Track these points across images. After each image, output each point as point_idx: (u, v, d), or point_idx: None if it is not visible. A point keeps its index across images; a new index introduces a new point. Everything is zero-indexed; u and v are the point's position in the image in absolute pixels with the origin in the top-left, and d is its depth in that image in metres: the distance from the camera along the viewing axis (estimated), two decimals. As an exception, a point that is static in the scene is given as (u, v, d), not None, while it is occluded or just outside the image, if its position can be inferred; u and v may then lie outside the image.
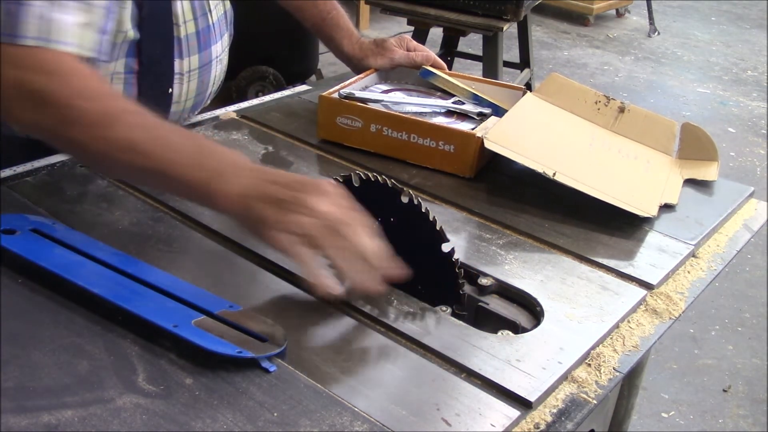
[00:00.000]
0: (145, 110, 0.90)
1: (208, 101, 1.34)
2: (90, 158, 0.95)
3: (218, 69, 1.29)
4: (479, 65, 3.32)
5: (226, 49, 1.31)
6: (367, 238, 0.81)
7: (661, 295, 0.97)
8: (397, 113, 1.23)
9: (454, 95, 1.35)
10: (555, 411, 0.77)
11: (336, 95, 1.25)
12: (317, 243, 0.80)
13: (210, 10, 1.22)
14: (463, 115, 1.29)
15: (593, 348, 0.85)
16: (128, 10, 1.06)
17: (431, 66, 1.39)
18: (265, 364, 0.76)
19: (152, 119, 0.90)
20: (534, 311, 0.92)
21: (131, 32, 1.09)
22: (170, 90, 1.19)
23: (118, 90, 1.10)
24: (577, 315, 0.90)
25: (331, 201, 0.81)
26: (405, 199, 0.92)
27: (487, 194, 1.16)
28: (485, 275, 0.96)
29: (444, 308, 0.90)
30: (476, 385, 0.78)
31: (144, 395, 0.71)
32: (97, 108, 0.89)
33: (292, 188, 0.82)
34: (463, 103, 1.32)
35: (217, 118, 1.35)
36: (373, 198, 0.96)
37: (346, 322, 0.85)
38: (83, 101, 0.88)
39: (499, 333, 0.87)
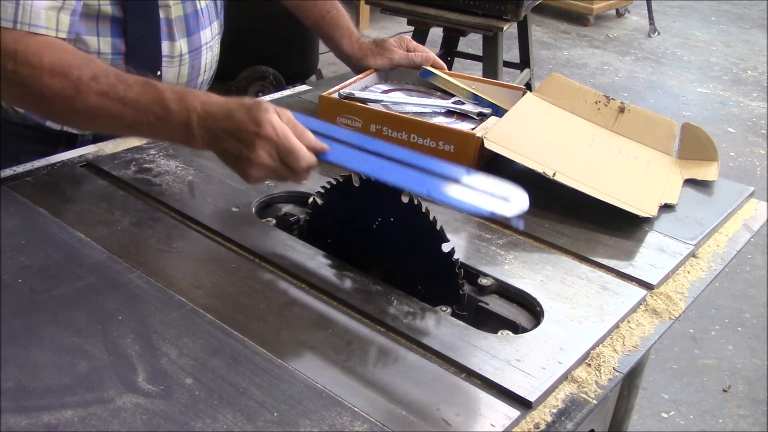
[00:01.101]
0: (111, 70, 0.97)
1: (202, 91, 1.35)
2: (78, 125, 1.07)
3: (209, 56, 1.30)
4: (479, 65, 3.32)
5: (216, 38, 1.33)
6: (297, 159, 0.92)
7: (661, 295, 0.97)
8: (397, 113, 1.23)
9: (454, 95, 1.35)
10: (555, 411, 0.77)
11: (336, 95, 1.25)
12: (277, 177, 0.94)
13: None
14: (463, 115, 1.29)
15: (593, 348, 0.85)
16: None
17: (431, 66, 1.39)
18: (515, 222, 0.86)
19: (115, 79, 0.96)
20: (534, 311, 0.92)
21: (106, 7, 1.11)
22: (159, 73, 1.20)
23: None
24: (577, 315, 0.90)
25: (265, 146, 0.91)
26: (405, 199, 0.92)
27: (487, 194, 1.16)
28: (485, 275, 0.96)
29: (444, 308, 0.90)
30: (476, 385, 0.78)
31: (144, 395, 0.71)
32: (64, 82, 0.95)
33: (236, 138, 0.92)
34: (463, 103, 1.32)
35: (217, 118, 1.35)
36: (373, 198, 0.96)
37: (346, 322, 0.85)
38: (51, 78, 0.95)
39: (499, 333, 0.87)
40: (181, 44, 1.22)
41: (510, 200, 0.87)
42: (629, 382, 1.33)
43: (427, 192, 0.88)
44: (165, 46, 1.20)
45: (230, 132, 0.92)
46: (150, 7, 1.16)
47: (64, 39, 1.01)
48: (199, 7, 1.24)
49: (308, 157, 0.92)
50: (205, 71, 1.30)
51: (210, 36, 1.29)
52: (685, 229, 1.11)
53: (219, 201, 1.06)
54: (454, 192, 0.88)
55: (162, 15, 1.17)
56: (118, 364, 0.75)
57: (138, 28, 1.15)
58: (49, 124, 1.20)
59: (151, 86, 0.95)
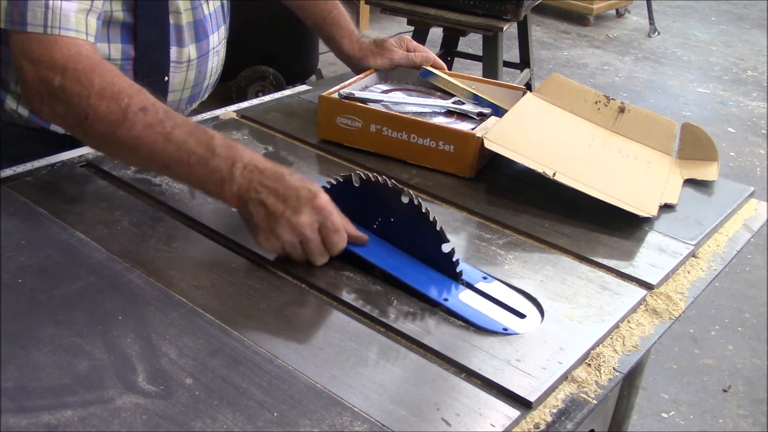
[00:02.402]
0: (160, 105, 0.95)
1: (206, 95, 1.35)
2: (112, 153, 1.02)
3: (215, 60, 1.30)
4: (479, 65, 3.32)
5: (223, 42, 1.33)
6: (335, 237, 0.92)
7: (661, 295, 0.97)
8: (397, 113, 1.23)
9: (454, 95, 1.35)
10: (555, 411, 0.77)
11: (336, 95, 1.25)
12: (290, 253, 0.93)
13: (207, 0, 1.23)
14: (463, 115, 1.29)
15: (593, 348, 0.85)
16: None
17: (431, 66, 1.39)
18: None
19: (164, 114, 0.95)
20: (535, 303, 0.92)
21: (118, 14, 1.11)
22: (166, 78, 1.20)
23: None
24: (577, 315, 0.90)
25: (311, 212, 0.90)
26: (405, 199, 0.92)
27: (487, 194, 1.16)
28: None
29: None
30: (476, 385, 0.78)
31: (144, 395, 0.71)
32: (113, 107, 0.93)
33: (281, 199, 0.91)
34: (463, 103, 1.32)
35: (217, 118, 1.35)
36: (373, 198, 0.96)
37: (346, 323, 0.85)
38: (99, 99, 0.93)
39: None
40: (190, 50, 1.22)
41: (526, 316, 0.89)
42: (629, 382, 1.33)
43: (443, 300, 0.89)
44: (174, 51, 1.19)
45: (275, 191, 0.91)
46: (161, 14, 1.15)
47: (93, 42, 0.99)
48: (207, 13, 1.23)
49: (344, 242, 0.93)
50: (211, 75, 1.31)
51: (217, 41, 1.29)
52: (685, 229, 1.11)
53: (219, 201, 1.06)
54: (470, 301, 0.90)
55: (172, 21, 1.17)
56: (118, 364, 0.75)
57: (148, 34, 1.15)
58: (53, 127, 1.19)
59: (202, 130, 0.95)
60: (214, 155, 0.92)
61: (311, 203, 0.90)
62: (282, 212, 0.90)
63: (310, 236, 0.90)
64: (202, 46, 1.24)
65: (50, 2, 0.95)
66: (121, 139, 0.94)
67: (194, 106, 1.34)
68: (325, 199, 0.91)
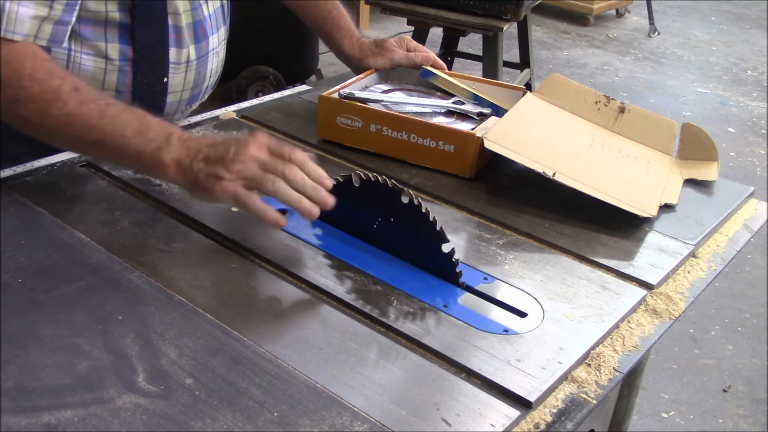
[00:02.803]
0: (91, 88, 0.98)
1: (206, 96, 1.35)
2: (43, 133, 1.00)
3: (215, 61, 1.30)
4: (479, 65, 3.32)
5: (223, 43, 1.32)
6: (298, 170, 0.91)
7: (661, 295, 0.97)
8: (397, 113, 1.23)
9: (454, 95, 1.35)
10: (555, 411, 0.77)
11: (336, 95, 1.25)
12: (259, 184, 0.90)
13: (206, 0, 1.23)
14: (463, 115, 1.29)
15: (593, 348, 0.85)
16: None
17: (431, 66, 1.39)
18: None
19: (96, 95, 0.97)
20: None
21: (114, 14, 1.11)
22: (165, 79, 1.20)
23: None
24: (577, 315, 0.90)
25: (261, 146, 0.91)
26: (405, 199, 0.92)
27: (487, 194, 1.16)
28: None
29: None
30: (476, 385, 0.78)
31: (144, 395, 0.71)
32: (44, 87, 0.95)
33: (223, 145, 0.92)
34: (463, 103, 1.32)
35: (217, 118, 1.35)
36: (373, 198, 0.96)
37: (346, 323, 0.85)
38: (32, 82, 0.95)
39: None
40: (190, 51, 1.21)
41: (527, 315, 0.89)
42: (629, 382, 1.33)
43: (443, 306, 0.89)
44: (173, 52, 1.19)
45: (214, 146, 0.92)
46: (159, 15, 1.15)
47: (42, 47, 1.01)
48: (207, 14, 1.23)
49: (306, 160, 0.93)
50: (210, 76, 1.31)
51: (217, 42, 1.28)
52: (685, 229, 1.11)
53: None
54: (470, 304, 0.90)
55: (171, 22, 1.17)
56: (118, 364, 0.75)
57: (146, 35, 1.15)
58: None
59: (135, 108, 0.96)
60: (149, 127, 0.94)
61: (254, 139, 0.92)
62: (228, 154, 0.90)
63: (266, 158, 0.90)
64: (202, 47, 1.24)
65: (6, 5, 0.96)
66: (54, 116, 0.95)
67: (194, 107, 1.33)
68: (264, 135, 0.93)
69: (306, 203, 0.90)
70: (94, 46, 1.13)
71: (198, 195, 0.93)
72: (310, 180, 0.92)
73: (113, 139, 0.94)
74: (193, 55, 1.22)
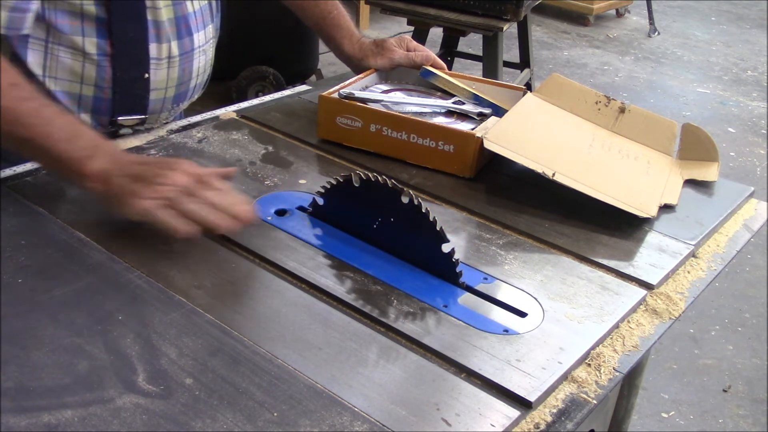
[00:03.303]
0: (30, 86, 0.97)
1: (195, 96, 1.33)
2: None
3: (202, 60, 1.28)
4: (479, 65, 3.32)
5: (211, 41, 1.31)
6: (215, 192, 0.93)
7: (661, 295, 0.97)
8: (397, 113, 1.23)
9: (454, 95, 1.35)
10: (555, 411, 0.77)
11: (336, 95, 1.25)
12: (174, 204, 0.91)
13: None
14: (463, 115, 1.29)
15: (593, 348, 0.85)
16: None
17: (431, 66, 1.39)
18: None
19: (33, 94, 0.96)
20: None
21: (90, 7, 1.10)
22: (147, 75, 1.19)
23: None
24: (577, 315, 0.90)
25: (185, 173, 0.93)
26: (405, 199, 0.92)
27: (487, 194, 1.16)
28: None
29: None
30: (476, 385, 0.78)
31: (144, 395, 0.71)
32: None
33: (150, 165, 0.94)
34: (463, 103, 1.32)
35: (217, 118, 1.35)
36: (373, 198, 0.96)
37: (346, 323, 0.85)
38: None
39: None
40: (172, 47, 1.20)
41: (527, 314, 0.89)
42: (629, 382, 1.33)
43: (443, 307, 0.89)
44: (154, 48, 1.18)
45: (140, 163, 0.95)
46: (137, 9, 1.14)
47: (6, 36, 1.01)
48: (191, 10, 1.22)
49: (228, 197, 0.94)
50: (198, 75, 1.29)
51: (204, 39, 1.27)
52: (685, 229, 1.11)
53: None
54: (470, 305, 0.90)
55: (150, 17, 1.16)
56: (118, 364, 0.75)
57: (125, 30, 1.14)
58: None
59: (71, 115, 0.97)
60: (80, 136, 0.95)
61: (179, 165, 0.94)
62: (150, 174, 0.92)
63: (187, 183, 0.92)
64: (185, 44, 1.22)
65: None
66: None
67: (182, 106, 1.32)
68: (191, 164, 0.95)
69: (219, 223, 0.92)
70: (70, 39, 1.12)
71: (111, 208, 0.94)
72: (229, 204, 0.93)
73: (42, 139, 0.94)
74: (175, 51, 1.21)
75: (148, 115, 1.23)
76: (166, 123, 1.30)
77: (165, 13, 1.17)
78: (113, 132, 1.22)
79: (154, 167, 0.94)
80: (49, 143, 0.94)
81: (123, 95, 1.18)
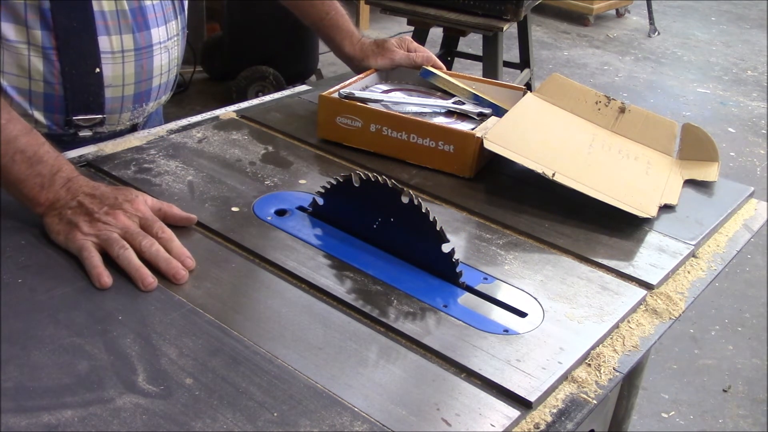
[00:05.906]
0: (3, 104, 0.95)
1: (162, 97, 1.29)
2: None
3: (164, 58, 1.24)
4: (479, 65, 3.32)
5: (175, 38, 1.26)
6: (151, 242, 0.91)
7: (661, 295, 0.97)
8: (397, 113, 1.23)
9: (454, 95, 1.35)
10: (555, 411, 0.77)
11: (336, 95, 1.25)
12: (108, 246, 0.89)
13: None
14: (463, 115, 1.29)
15: (593, 348, 0.85)
16: None
17: (431, 67, 1.39)
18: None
19: (2, 110, 0.94)
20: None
21: None
22: (98, 70, 1.15)
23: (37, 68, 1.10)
24: (577, 315, 0.90)
25: (133, 215, 0.93)
26: (405, 199, 0.92)
27: (487, 194, 1.16)
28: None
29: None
30: (476, 385, 0.78)
31: (144, 395, 0.71)
32: None
33: (102, 199, 0.93)
34: (463, 103, 1.32)
35: (217, 118, 1.35)
36: (373, 198, 0.96)
37: (346, 323, 0.85)
38: None
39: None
40: (124, 40, 1.15)
41: (528, 314, 0.89)
42: (629, 382, 1.33)
43: (443, 307, 0.89)
44: (104, 40, 1.14)
45: (92, 195, 0.93)
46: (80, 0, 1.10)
47: None
48: (150, 3, 1.17)
49: (170, 233, 0.93)
50: (161, 74, 1.24)
51: (165, 36, 1.22)
52: (685, 229, 1.11)
53: (219, 201, 1.06)
54: (470, 305, 0.90)
55: (96, 8, 1.11)
56: (118, 364, 0.75)
57: (68, 20, 1.10)
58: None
59: (36, 135, 0.95)
60: (41, 160, 0.94)
61: (134, 202, 0.93)
62: (97, 210, 0.91)
63: (131, 227, 0.91)
64: (142, 38, 1.17)
65: None
66: None
67: (147, 107, 1.27)
68: (144, 201, 0.94)
69: (143, 273, 0.87)
70: (15, 29, 1.08)
71: (52, 235, 0.92)
72: (168, 255, 0.90)
73: (1, 157, 0.92)
74: (130, 45, 1.16)
75: (106, 114, 1.19)
76: (163, 124, 1.29)
77: (114, 4, 1.13)
78: (72, 134, 1.19)
79: (106, 201, 0.92)
80: (6, 163, 0.93)
81: (75, 92, 1.15)
